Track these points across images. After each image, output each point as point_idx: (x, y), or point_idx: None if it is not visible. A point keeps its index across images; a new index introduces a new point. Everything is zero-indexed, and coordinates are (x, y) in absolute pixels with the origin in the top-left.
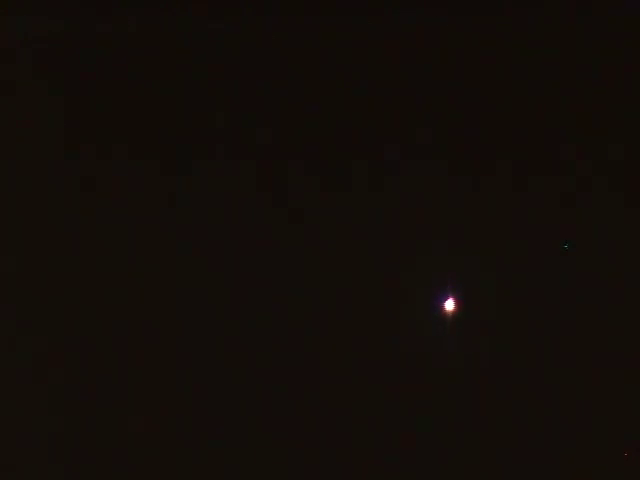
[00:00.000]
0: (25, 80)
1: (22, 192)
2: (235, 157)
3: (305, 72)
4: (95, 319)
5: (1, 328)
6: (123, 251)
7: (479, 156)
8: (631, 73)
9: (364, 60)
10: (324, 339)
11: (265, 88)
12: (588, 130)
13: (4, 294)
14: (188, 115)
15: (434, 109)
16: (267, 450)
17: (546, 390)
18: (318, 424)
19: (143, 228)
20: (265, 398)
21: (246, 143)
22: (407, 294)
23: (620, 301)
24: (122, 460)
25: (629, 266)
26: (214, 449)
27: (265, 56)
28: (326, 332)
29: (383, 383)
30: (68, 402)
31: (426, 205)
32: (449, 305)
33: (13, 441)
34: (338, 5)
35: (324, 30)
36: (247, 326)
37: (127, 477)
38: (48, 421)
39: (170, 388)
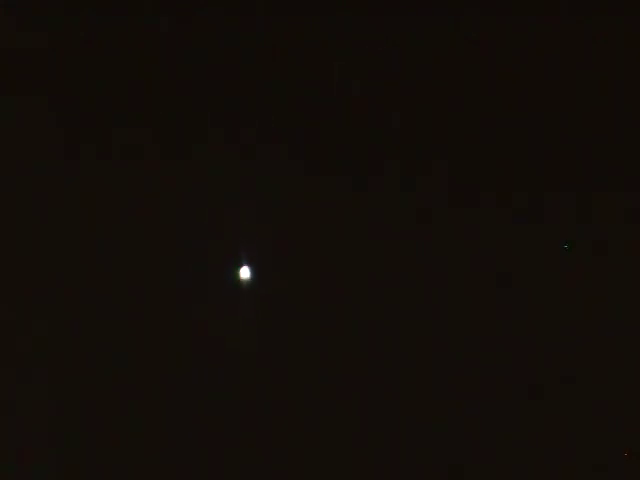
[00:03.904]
0: (25, 81)
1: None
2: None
3: (304, 72)
4: (96, 319)
5: (1, 328)
6: (122, 249)
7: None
8: (631, 73)
9: (363, 60)
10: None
11: (264, 87)
12: (587, 130)
13: (5, 294)
14: (186, 115)
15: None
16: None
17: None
18: None
19: (142, 228)
20: None
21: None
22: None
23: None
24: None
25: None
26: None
27: (264, 55)
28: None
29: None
30: (67, 402)
31: None
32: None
33: (13, 441)
34: (338, 5)
35: (324, 30)
36: None
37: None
38: (48, 422)
39: (169, 388)
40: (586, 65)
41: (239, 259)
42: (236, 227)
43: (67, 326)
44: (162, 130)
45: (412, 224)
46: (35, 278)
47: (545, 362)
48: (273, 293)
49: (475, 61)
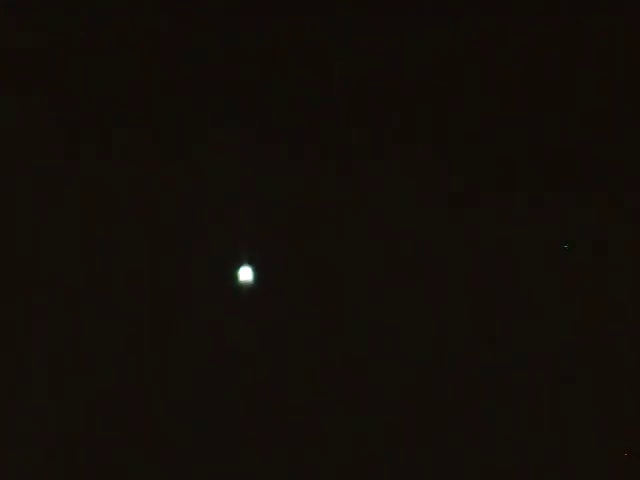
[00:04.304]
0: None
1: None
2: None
3: (304, 72)
4: (96, 319)
5: (1, 328)
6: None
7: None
8: (631, 73)
9: (362, 59)
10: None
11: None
12: (587, 130)
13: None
14: (186, 115)
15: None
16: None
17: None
18: None
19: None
20: None
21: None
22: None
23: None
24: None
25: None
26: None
27: (263, 55)
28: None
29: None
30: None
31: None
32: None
33: (13, 441)
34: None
35: (323, 30)
36: None
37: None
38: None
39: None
40: (586, 65)
41: (239, 259)
42: (236, 227)
43: (67, 326)
44: (162, 130)
45: (412, 224)
46: (35, 278)
47: (545, 362)
48: (273, 294)
49: (475, 61)
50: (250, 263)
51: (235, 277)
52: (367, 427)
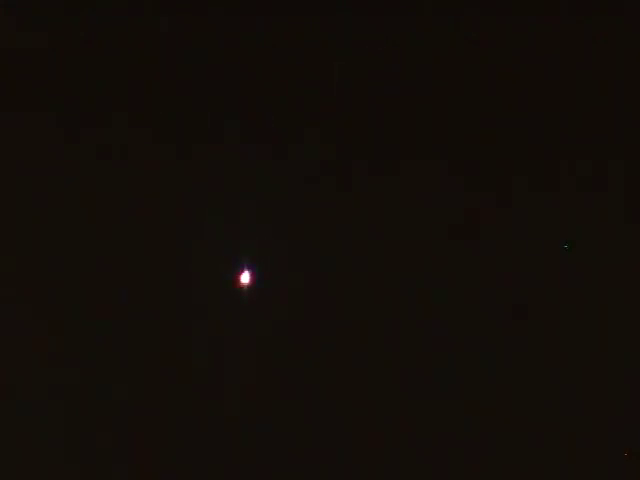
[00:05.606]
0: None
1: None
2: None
3: (304, 72)
4: (95, 320)
5: (3, 326)
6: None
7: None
8: (631, 73)
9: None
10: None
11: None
12: (587, 130)
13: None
14: (186, 115)
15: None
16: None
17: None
18: None
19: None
20: None
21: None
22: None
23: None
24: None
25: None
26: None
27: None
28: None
29: None
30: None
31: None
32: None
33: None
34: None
35: (323, 30)
36: None
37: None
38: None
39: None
40: (586, 65)
41: (239, 260)
42: (236, 227)
43: (66, 326)
44: (162, 130)
45: (412, 224)
46: (35, 278)
47: (545, 362)
48: (273, 294)
49: (475, 61)
50: (250, 264)
51: (235, 278)
52: (369, 429)
